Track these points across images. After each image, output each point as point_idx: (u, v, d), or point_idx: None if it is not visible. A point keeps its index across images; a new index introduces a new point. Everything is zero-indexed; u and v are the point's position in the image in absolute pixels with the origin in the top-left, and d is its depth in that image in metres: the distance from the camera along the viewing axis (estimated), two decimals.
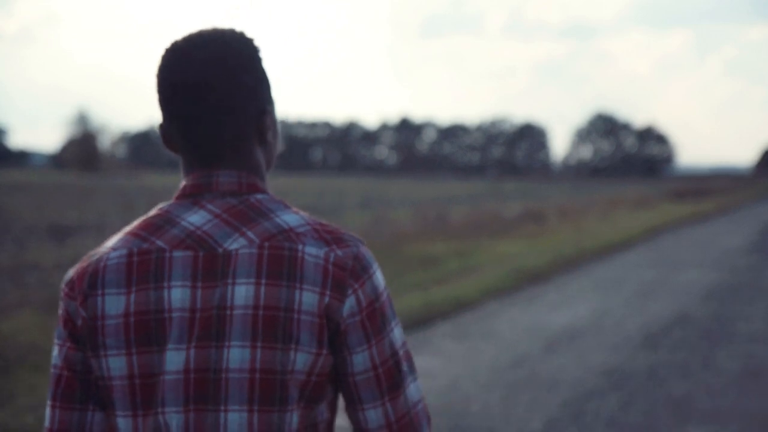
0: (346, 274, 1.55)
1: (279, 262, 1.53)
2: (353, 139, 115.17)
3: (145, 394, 1.53)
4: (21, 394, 6.64)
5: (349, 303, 1.55)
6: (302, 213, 1.61)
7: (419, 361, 7.65)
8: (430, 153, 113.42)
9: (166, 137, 1.64)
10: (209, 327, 1.52)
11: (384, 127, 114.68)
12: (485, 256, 16.21)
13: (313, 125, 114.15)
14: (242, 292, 1.52)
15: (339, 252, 1.56)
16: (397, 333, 1.61)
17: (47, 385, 1.62)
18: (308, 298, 1.52)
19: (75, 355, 1.58)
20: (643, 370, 7.95)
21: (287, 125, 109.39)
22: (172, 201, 1.62)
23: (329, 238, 1.57)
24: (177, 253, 1.54)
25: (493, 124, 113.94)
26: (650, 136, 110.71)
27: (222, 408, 1.51)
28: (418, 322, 9.84)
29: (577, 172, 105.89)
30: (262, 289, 1.52)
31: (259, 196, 1.60)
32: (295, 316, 1.51)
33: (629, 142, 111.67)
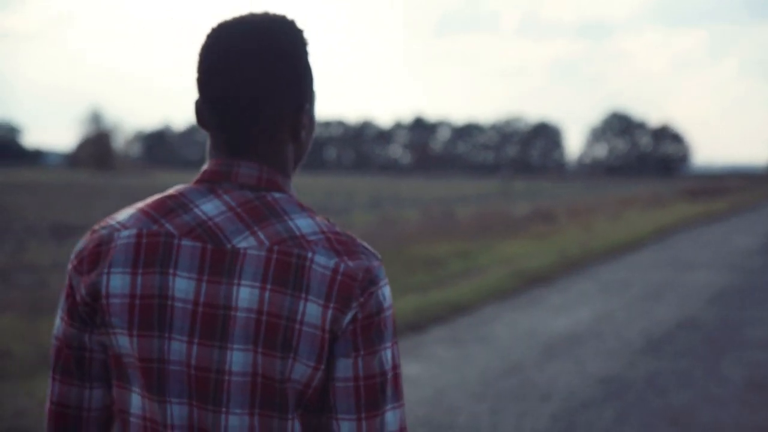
0: (354, 285, 1.50)
1: (286, 269, 1.49)
2: (367, 138, 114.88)
3: (153, 377, 1.52)
4: None
5: (351, 314, 1.50)
6: (318, 218, 1.56)
7: (406, 368, 7.31)
8: (445, 152, 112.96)
9: (199, 115, 1.61)
10: (212, 325, 1.50)
11: (398, 126, 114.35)
12: (490, 257, 15.88)
13: (327, 124, 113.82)
14: (246, 295, 1.49)
15: (350, 263, 1.51)
16: (390, 354, 1.54)
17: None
18: (312, 310, 1.48)
19: (71, 331, 1.58)
20: (642, 379, 7.60)
21: None
22: (190, 184, 1.59)
23: (341, 249, 1.53)
24: (186, 242, 1.52)
25: (508, 123, 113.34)
26: (665, 135, 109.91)
27: (223, 410, 1.50)
28: (411, 327, 9.49)
29: (591, 171, 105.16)
30: (267, 294, 1.48)
31: (277, 195, 1.56)
32: (297, 326, 1.48)
33: (644, 141, 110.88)
